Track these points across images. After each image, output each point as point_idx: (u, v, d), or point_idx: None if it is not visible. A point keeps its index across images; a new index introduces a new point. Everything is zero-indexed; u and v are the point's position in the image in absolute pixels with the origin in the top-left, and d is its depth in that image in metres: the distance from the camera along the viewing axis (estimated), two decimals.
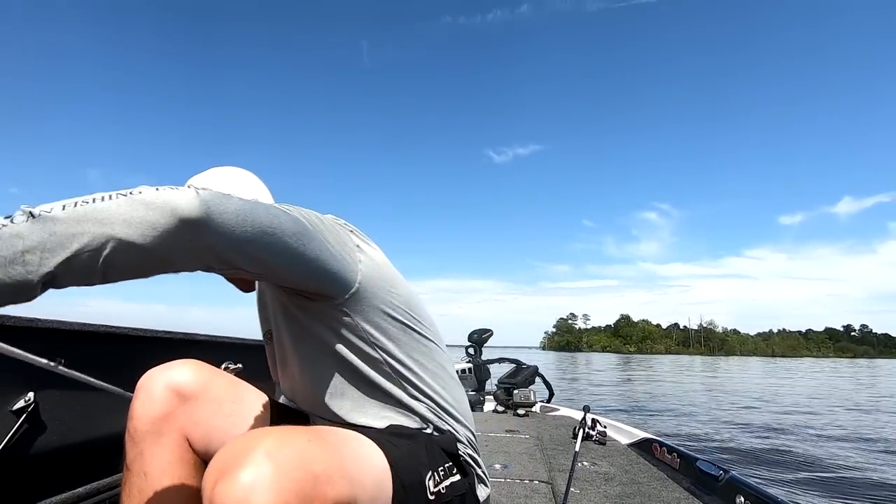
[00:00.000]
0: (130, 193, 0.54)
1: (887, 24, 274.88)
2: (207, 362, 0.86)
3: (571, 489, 1.84)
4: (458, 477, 0.78)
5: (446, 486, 0.74)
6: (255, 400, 0.88)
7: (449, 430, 0.83)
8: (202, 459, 0.81)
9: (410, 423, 0.81)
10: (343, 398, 0.80)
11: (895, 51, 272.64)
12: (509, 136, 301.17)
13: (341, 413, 0.80)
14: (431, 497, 0.71)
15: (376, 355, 0.79)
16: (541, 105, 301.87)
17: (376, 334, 0.78)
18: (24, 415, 1.00)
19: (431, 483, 0.72)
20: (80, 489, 1.14)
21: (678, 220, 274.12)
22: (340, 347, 0.79)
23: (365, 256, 0.78)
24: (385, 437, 0.71)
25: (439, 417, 0.83)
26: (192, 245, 0.56)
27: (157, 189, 0.55)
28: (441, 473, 0.74)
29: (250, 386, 0.91)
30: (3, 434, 0.98)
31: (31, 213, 0.49)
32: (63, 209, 0.50)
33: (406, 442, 0.73)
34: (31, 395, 1.06)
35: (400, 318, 0.81)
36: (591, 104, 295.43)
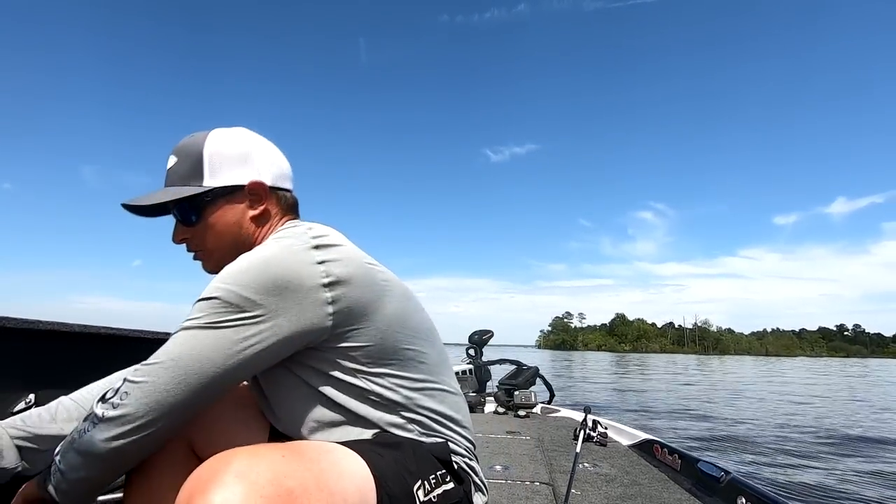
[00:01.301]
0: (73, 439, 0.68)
1: (882, 25, 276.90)
2: None
3: (572, 490, 1.84)
4: (452, 485, 0.75)
5: (438, 495, 0.72)
6: (257, 405, 0.86)
7: (443, 441, 0.81)
8: None
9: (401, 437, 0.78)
10: (331, 430, 0.77)
11: (890, 52, 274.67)
12: (506, 135, 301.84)
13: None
14: None
15: (360, 383, 0.76)
16: (538, 104, 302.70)
17: (359, 366, 0.75)
18: None
19: (421, 492, 0.70)
20: None
21: (674, 219, 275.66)
22: (322, 386, 0.76)
23: (342, 289, 0.72)
24: (369, 448, 0.70)
25: (431, 431, 0.80)
26: (124, 462, 0.69)
27: (79, 433, 0.68)
28: (433, 481, 0.72)
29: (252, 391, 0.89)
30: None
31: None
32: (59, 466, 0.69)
33: (392, 451, 0.71)
34: (31, 396, 1.06)
35: (386, 338, 0.77)
36: (588, 104, 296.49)
